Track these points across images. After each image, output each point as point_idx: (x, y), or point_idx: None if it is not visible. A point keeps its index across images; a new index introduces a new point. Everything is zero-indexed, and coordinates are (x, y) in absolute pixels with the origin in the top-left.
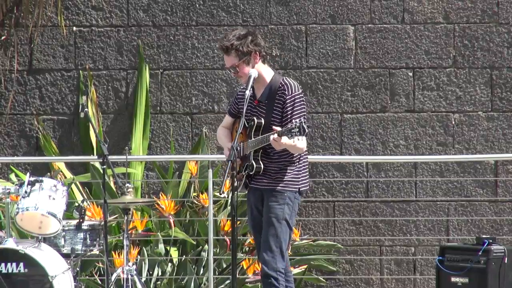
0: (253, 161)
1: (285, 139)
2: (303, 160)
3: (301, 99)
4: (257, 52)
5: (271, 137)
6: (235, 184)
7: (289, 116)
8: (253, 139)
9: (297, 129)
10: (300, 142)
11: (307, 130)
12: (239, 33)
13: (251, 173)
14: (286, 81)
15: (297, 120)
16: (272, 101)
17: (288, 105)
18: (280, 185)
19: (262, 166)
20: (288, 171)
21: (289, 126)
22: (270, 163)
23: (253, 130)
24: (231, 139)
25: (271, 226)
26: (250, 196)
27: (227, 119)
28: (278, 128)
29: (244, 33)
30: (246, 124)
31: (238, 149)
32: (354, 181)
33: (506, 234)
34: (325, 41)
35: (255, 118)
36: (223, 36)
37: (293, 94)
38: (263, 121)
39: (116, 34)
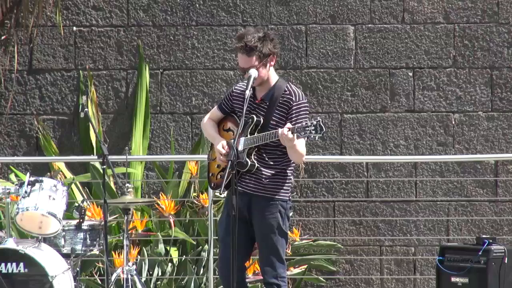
0: (246, 159)
1: (297, 141)
2: (290, 169)
3: (306, 108)
4: (275, 55)
5: (284, 130)
6: (219, 182)
7: (293, 121)
8: (251, 136)
9: (313, 127)
10: (301, 147)
11: (324, 129)
12: (259, 35)
13: (243, 170)
14: (293, 88)
15: (313, 120)
16: (274, 103)
17: (294, 111)
18: (271, 193)
19: (256, 164)
20: (280, 178)
21: (303, 123)
22: (263, 167)
23: (250, 128)
24: (219, 133)
25: (266, 237)
26: (233, 199)
27: (216, 113)
28: (290, 125)
29: (263, 34)
30: (238, 120)
31: (239, 148)
32: (354, 181)
33: (506, 234)
34: (325, 41)
35: (254, 116)
36: (241, 35)
37: (299, 102)
38: (262, 120)
39: (116, 34)
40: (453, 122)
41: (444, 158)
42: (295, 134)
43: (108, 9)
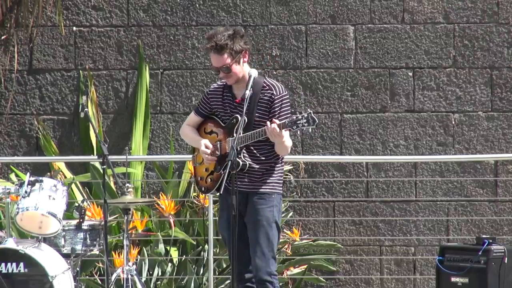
0: (237, 159)
1: (285, 134)
2: (281, 161)
3: (288, 100)
4: (247, 51)
5: (272, 125)
6: (212, 184)
7: (276, 114)
8: (239, 135)
9: (305, 120)
10: (289, 141)
11: (317, 121)
12: (228, 33)
13: (235, 170)
14: (271, 82)
15: (304, 112)
16: (255, 100)
17: (276, 104)
18: (267, 187)
19: (247, 163)
20: (274, 172)
21: (294, 117)
22: (256, 164)
23: (235, 128)
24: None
25: (262, 229)
26: (228, 199)
27: (193, 119)
28: (278, 121)
29: (232, 32)
30: (222, 122)
31: (238, 149)
32: (354, 181)
33: (506, 234)
34: (325, 41)
35: (238, 116)
36: (211, 35)
37: (281, 95)
38: (246, 119)
39: (116, 34)
40: (453, 122)
41: (444, 158)
42: (284, 129)
43: (108, 9)
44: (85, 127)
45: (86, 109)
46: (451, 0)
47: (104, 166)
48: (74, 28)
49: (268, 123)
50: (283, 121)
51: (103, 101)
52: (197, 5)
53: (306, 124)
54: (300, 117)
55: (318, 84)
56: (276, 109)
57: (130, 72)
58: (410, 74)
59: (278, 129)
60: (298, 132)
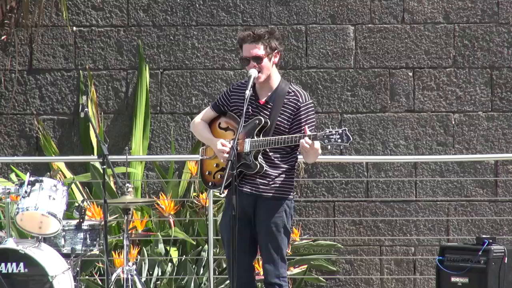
0: (254, 161)
1: (317, 144)
2: (295, 167)
3: (313, 109)
4: (279, 53)
5: (302, 141)
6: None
7: (302, 123)
8: (259, 138)
9: (338, 136)
10: (319, 149)
11: (351, 139)
12: (266, 29)
13: (251, 172)
14: (297, 89)
15: (338, 128)
16: (279, 104)
17: (302, 112)
18: (277, 193)
19: (264, 166)
20: (285, 177)
21: (327, 131)
22: (270, 167)
23: (256, 129)
24: (213, 132)
25: (271, 236)
26: (233, 199)
27: (209, 113)
28: (309, 132)
29: (270, 29)
30: (238, 119)
31: (245, 150)
32: (354, 181)
33: (506, 234)
34: (325, 41)
35: (261, 118)
36: (248, 28)
37: (307, 103)
38: (269, 122)
39: (116, 34)
40: (453, 122)
41: (444, 158)
42: (318, 141)
43: (108, 9)
44: (85, 127)
45: (86, 109)
46: (451, 0)
47: (104, 166)
48: (74, 28)
49: (302, 141)
50: (315, 133)
51: (103, 101)
52: (197, 5)
53: (339, 140)
54: (334, 132)
55: (318, 84)
56: (302, 117)
57: (130, 72)
58: (410, 74)
59: (308, 146)
60: (329, 147)
